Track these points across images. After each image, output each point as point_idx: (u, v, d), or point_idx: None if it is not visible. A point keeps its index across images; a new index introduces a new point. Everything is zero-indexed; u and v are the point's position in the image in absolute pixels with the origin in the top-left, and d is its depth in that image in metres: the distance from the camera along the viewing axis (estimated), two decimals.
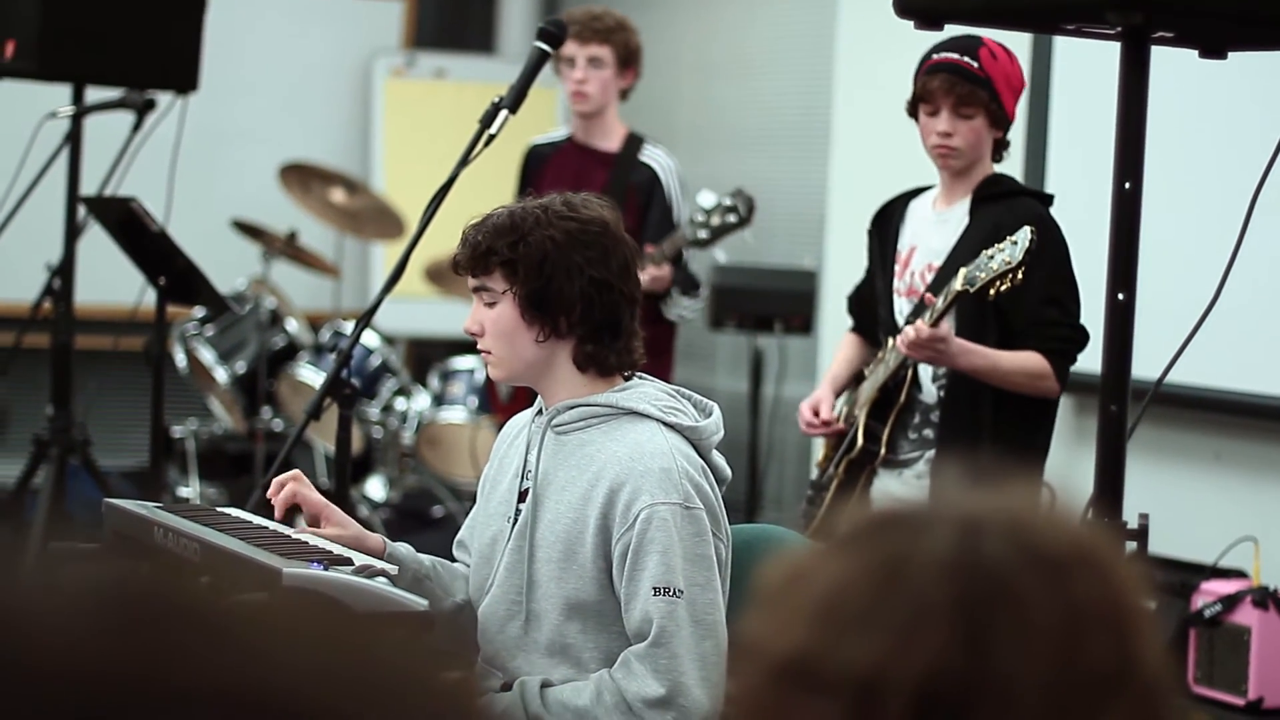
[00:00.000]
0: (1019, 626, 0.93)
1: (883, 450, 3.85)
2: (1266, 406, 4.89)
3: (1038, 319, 3.67)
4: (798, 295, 6.33)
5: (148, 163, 4.93)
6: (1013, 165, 3.93)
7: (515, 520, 2.75)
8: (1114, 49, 2.76)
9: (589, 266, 2.69)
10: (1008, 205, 3.72)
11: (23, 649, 0.72)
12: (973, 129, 3.72)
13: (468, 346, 2.80)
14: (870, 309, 4.01)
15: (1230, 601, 4.68)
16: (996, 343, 3.66)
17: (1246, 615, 4.66)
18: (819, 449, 4.15)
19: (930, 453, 3.80)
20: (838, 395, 4.02)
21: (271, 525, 2.79)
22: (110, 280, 5.65)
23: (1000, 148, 3.81)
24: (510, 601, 2.72)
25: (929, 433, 3.81)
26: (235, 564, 2.53)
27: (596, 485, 2.66)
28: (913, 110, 3.78)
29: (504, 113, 3.42)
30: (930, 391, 3.81)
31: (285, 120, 7.86)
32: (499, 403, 5.53)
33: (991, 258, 3.47)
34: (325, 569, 2.49)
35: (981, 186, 3.78)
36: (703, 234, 4.82)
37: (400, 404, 6.71)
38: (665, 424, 2.69)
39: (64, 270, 5.12)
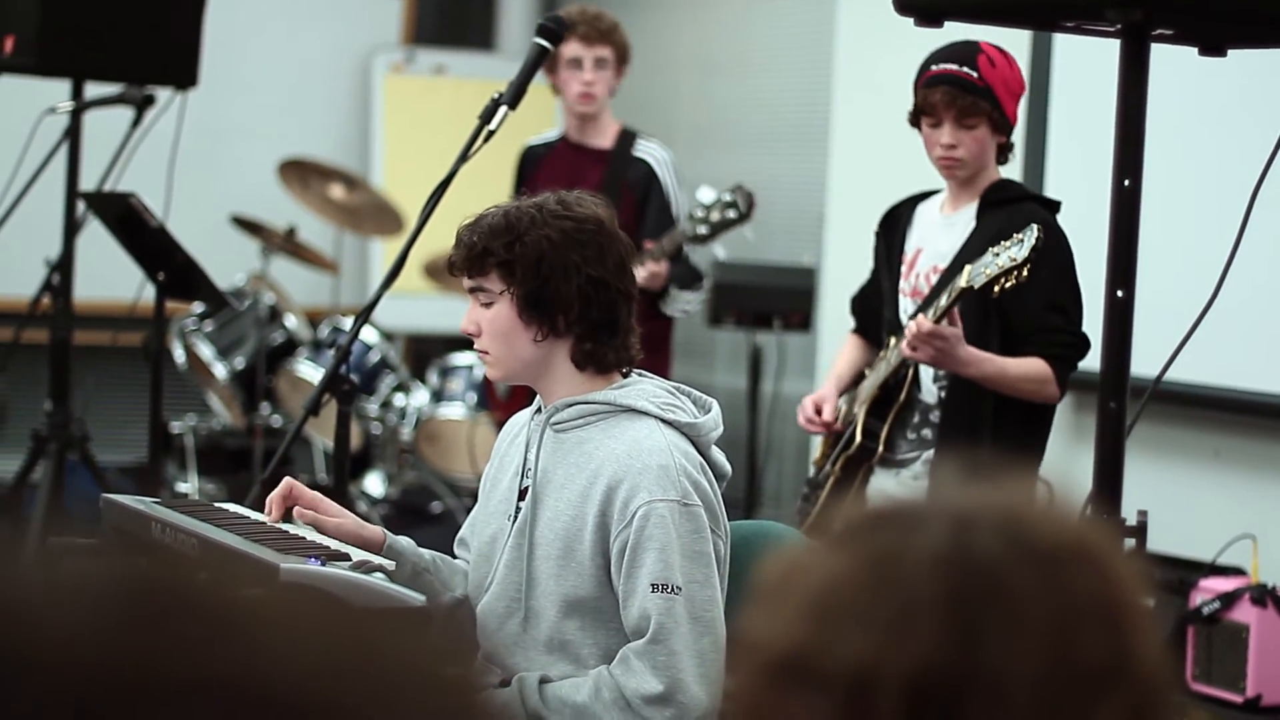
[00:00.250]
0: (1011, 621, 0.93)
1: (880, 448, 3.85)
2: (1265, 404, 4.90)
3: (1041, 324, 3.67)
4: (797, 292, 6.34)
5: (147, 158, 4.93)
6: (1012, 164, 3.93)
7: (515, 518, 2.75)
8: (1113, 46, 2.76)
9: (586, 265, 2.69)
10: (1014, 210, 3.72)
11: (25, 642, 0.72)
12: (976, 139, 3.72)
13: (466, 343, 2.79)
14: (874, 310, 4.01)
15: (1229, 599, 4.68)
16: (998, 345, 3.66)
17: (1245, 613, 4.67)
18: (817, 446, 4.15)
19: (928, 453, 3.80)
20: (840, 396, 4.02)
21: (269, 520, 2.79)
22: (109, 276, 5.65)
23: (1004, 151, 3.81)
24: (509, 599, 2.72)
25: (928, 433, 3.81)
26: (233, 559, 2.53)
27: (595, 482, 2.66)
28: (914, 121, 3.78)
29: (503, 109, 3.42)
30: (930, 391, 3.81)
31: (284, 116, 7.85)
32: (497, 401, 5.53)
33: (997, 255, 3.47)
34: (322, 564, 2.49)
35: (989, 191, 3.79)
36: (702, 230, 4.83)
37: (399, 400, 6.71)
38: (664, 421, 2.69)
39: (63, 265, 5.11)
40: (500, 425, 3.21)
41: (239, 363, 6.56)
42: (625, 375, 2.78)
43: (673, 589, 2.58)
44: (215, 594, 0.76)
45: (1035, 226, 3.45)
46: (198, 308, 6.43)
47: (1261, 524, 4.86)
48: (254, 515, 2.85)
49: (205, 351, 6.55)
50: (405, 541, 2.83)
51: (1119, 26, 2.71)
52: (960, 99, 3.68)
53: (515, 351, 2.74)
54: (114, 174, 4.90)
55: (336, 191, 6.97)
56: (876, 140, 6.00)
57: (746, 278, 6.34)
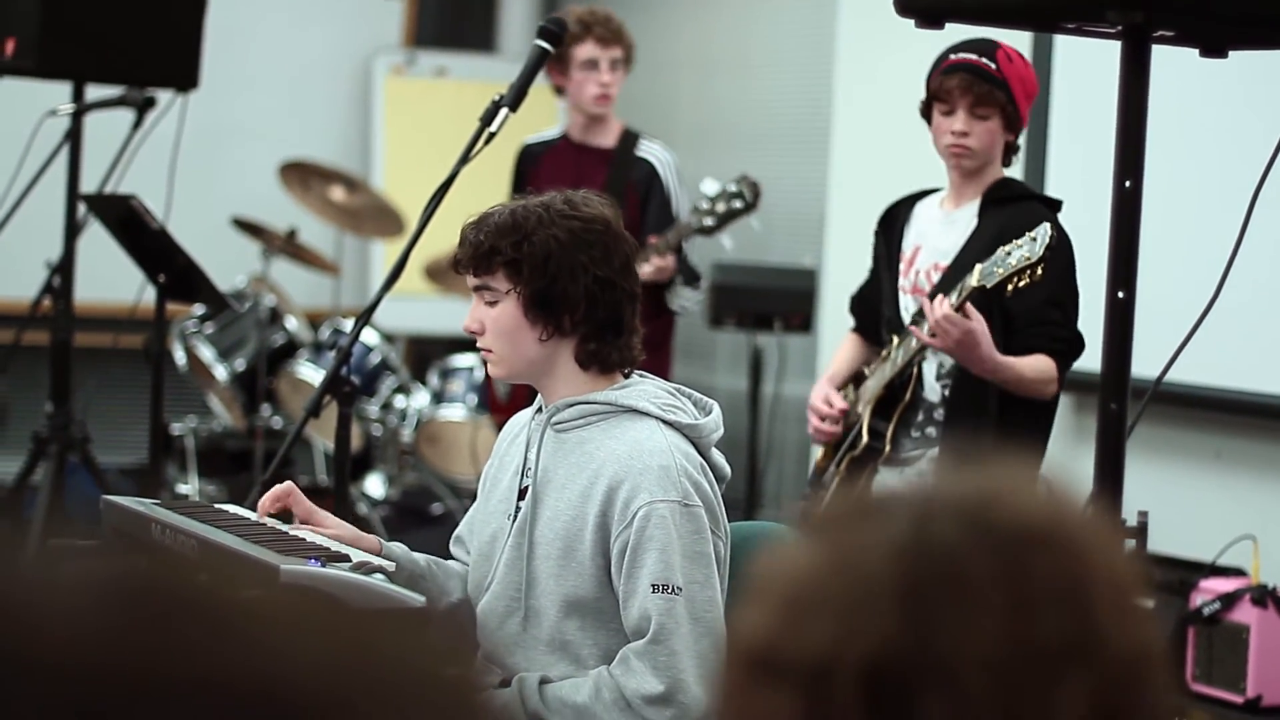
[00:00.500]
0: (965, 606, 0.93)
1: (887, 448, 3.85)
2: (1266, 405, 4.90)
3: (1042, 318, 3.68)
4: (797, 294, 6.33)
5: (148, 160, 4.93)
6: (1013, 164, 3.93)
7: (515, 517, 2.75)
8: (1114, 48, 2.76)
9: (593, 265, 2.69)
10: (1016, 209, 3.72)
11: (26, 643, 0.72)
12: (988, 129, 3.73)
13: (467, 344, 2.80)
14: (873, 310, 4.01)
15: (1229, 600, 4.69)
16: (1000, 341, 3.66)
17: (1245, 613, 4.67)
18: (818, 448, 4.13)
19: (933, 451, 3.80)
20: (840, 391, 4.02)
21: (269, 522, 2.79)
22: (110, 278, 5.65)
23: (1010, 151, 3.82)
24: (509, 598, 2.72)
25: (932, 431, 3.81)
26: (233, 561, 2.53)
27: (595, 483, 2.66)
28: (926, 111, 3.78)
29: (504, 111, 3.42)
30: (934, 389, 3.81)
31: (285, 118, 7.86)
32: (497, 403, 5.53)
33: (1009, 254, 3.47)
34: (322, 565, 2.49)
35: (992, 189, 3.79)
36: (709, 221, 4.82)
37: (400, 401, 6.71)
38: (665, 422, 2.69)
39: (64, 268, 5.12)
40: (500, 427, 3.20)
41: (240, 364, 6.57)
42: (626, 376, 2.78)
43: (673, 589, 2.58)
44: (215, 595, 0.77)
45: (1048, 225, 3.45)
46: (198, 309, 6.43)
47: (1262, 525, 4.86)
48: (254, 517, 2.85)
49: (206, 353, 6.55)
50: (400, 548, 2.82)
51: (1120, 28, 2.71)
52: (977, 86, 3.69)
53: (520, 350, 2.74)
54: (115, 176, 4.90)
55: (337, 193, 6.97)
56: (877, 141, 6.00)
57: (747, 279, 6.34)
